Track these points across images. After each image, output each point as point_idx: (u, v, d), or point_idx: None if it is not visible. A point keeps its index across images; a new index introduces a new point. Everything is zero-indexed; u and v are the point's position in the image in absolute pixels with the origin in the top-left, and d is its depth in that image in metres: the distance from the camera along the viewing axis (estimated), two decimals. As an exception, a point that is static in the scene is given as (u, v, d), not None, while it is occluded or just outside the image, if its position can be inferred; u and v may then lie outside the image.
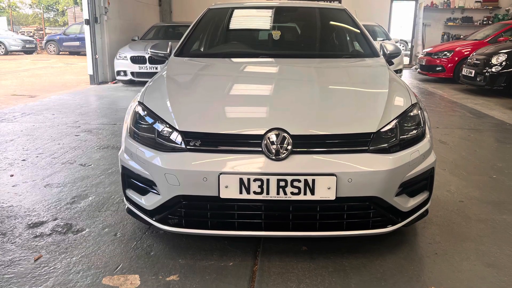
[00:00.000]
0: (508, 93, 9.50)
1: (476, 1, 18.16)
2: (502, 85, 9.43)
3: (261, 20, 4.82)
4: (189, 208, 2.50)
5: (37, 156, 4.81)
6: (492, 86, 9.57)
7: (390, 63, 3.88)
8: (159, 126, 2.58)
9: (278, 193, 2.35)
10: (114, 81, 11.83)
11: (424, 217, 2.83)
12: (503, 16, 17.53)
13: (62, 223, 3.15)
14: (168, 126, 2.54)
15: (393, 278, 2.49)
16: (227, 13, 4.73)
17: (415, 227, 3.09)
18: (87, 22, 11.34)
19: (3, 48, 24.82)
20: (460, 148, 5.34)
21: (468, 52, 11.62)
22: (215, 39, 4.61)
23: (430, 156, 2.73)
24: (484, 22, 17.92)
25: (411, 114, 2.70)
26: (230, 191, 2.36)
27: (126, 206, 2.84)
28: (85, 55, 12.28)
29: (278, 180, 2.33)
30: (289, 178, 2.33)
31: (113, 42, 12.19)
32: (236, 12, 4.79)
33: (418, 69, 13.60)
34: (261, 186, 2.34)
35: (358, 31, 4.30)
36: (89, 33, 11.43)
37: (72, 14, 40.30)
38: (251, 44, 4.58)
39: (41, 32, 34.29)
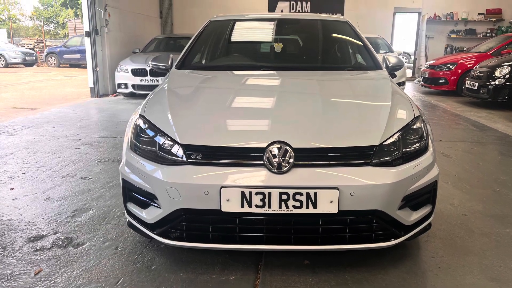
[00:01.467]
0: (512, 106, 9.48)
1: (480, 13, 18.18)
2: (505, 97, 9.40)
3: (263, 33, 4.83)
4: (191, 222, 2.48)
5: (37, 169, 4.79)
6: (496, 99, 9.55)
7: (392, 75, 3.87)
8: (160, 139, 2.56)
9: (280, 206, 2.33)
10: (115, 94, 11.84)
11: (427, 230, 2.80)
12: (507, 29, 17.56)
13: (62, 237, 3.13)
14: (169, 139, 2.53)
15: (396, 293, 2.47)
16: (229, 25, 4.73)
17: (418, 241, 3.07)
18: (88, 34, 11.37)
19: (3, 61, 24.82)
20: (463, 161, 5.32)
21: (471, 65, 11.60)
22: (217, 51, 4.61)
23: (433, 169, 2.71)
24: (488, 35, 17.93)
25: (414, 127, 2.69)
26: (231, 204, 2.34)
27: (127, 220, 2.82)
28: (85, 67, 12.29)
29: (280, 194, 2.31)
30: (291, 192, 2.31)
31: (114, 55, 12.22)
32: (237, 24, 4.79)
33: (421, 82, 13.55)
34: (263, 200, 2.32)
35: (361, 43, 4.30)
36: (90, 46, 11.46)
37: (73, 27, 40.47)
38: (253, 56, 4.58)
39: (41, 44, 34.41)
